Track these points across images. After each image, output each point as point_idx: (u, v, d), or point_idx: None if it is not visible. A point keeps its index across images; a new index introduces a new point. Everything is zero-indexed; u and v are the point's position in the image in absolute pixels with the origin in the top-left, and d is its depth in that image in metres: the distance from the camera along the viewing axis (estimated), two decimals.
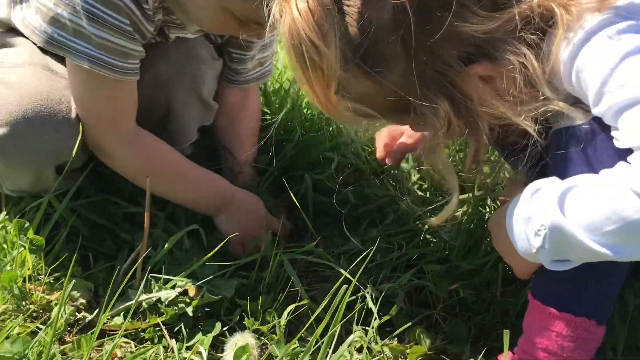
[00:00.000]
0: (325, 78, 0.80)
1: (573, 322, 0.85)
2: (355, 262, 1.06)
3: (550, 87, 0.82)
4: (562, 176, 0.81)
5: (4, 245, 1.11)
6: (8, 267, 1.04)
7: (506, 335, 0.77)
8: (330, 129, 1.46)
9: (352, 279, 1.05)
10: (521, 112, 0.81)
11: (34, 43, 1.12)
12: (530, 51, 0.81)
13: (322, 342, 0.84)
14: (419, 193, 1.35)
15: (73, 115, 1.07)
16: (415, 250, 1.18)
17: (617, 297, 0.89)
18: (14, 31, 1.17)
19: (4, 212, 1.16)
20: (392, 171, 1.39)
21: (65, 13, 1.00)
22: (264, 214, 1.24)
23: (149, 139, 1.18)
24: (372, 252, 1.06)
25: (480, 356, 0.96)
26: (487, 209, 1.27)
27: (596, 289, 0.85)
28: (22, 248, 1.04)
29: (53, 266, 1.08)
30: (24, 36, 1.14)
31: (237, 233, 1.14)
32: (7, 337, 0.89)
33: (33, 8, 1.06)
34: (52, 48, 1.05)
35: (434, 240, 1.22)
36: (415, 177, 1.37)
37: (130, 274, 1.01)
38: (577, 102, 0.83)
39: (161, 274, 1.07)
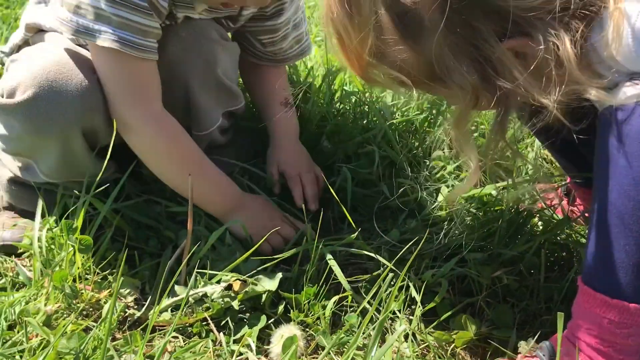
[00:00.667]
0: (361, 41, 0.81)
1: (626, 309, 0.83)
2: (398, 254, 1.07)
3: (588, 71, 0.81)
4: (602, 167, 0.80)
5: (52, 246, 1.14)
6: (58, 268, 1.07)
7: (560, 318, 0.77)
8: (365, 121, 1.46)
9: (395, 269, 1.06)
10: (550, 92, 0.81)
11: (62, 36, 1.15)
12: (566, 34, 0.80)
13: (370, 332, 0.85)
14: (457, 182, 1.34)
15: (96, 78, 1.10)
16: (455, 239, 1.18)
17: None
18: (42, 32, 1.20)
19: (52, 216, 1.19)
20: (427, 162, 1.39)
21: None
22: (275, 209, 1.25)
23: (175, 124, 1.18)
24: (412, 242, 1.07)
25: (532, 340, 0.95)
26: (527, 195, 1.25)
27: None
28: (71, 248, 1.07)
29: (101, 265, 1.11)
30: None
31: (266, 229, 1.15)
32: (62, 334, 0.92)
33: (59, 2, 1.08)
34: (79, 35, 1.07)
35: (474, 226, 1.21)
36: (452, 166, 1.36)
37: (177, 271, 1.03)
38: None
39: (206, 269, 1.09)
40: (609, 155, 0.82)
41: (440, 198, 1.28)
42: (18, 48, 1.23)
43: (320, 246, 1.11)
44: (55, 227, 1.15)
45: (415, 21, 0.81)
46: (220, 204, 1.21)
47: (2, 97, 1.08)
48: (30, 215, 1.24)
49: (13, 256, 1.21)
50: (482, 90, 0.83)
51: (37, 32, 1.20)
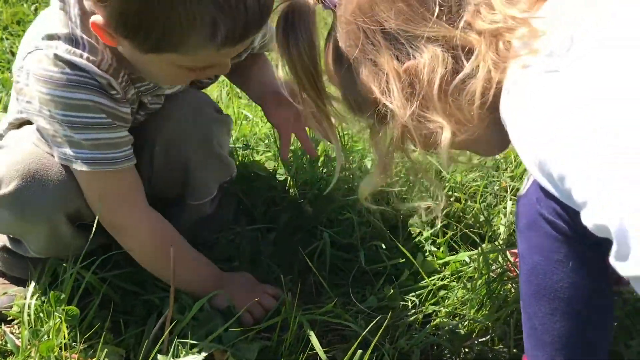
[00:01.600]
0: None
1: None
2: (373, 321, 1.11)
3: (447, 105, 0.86)
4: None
5: (41, 314, 1.18)
6: (46, 337, 1.11)
7: None
8: (346, 186, 1.52)
9: (370, 338, 1.10)
10: (407, 107, 0.87)
11: None
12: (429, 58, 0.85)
13: None
14: (433, 248, 1.39)
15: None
16: (430, 307, 1.22)
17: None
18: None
19: (41, 285, 1.23)
20: (406, 229, 1.44)
21: (53, 130, 1.09)
22: (255, 283, 1.29)
23: (160, 220, 1.23)
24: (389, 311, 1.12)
25: None
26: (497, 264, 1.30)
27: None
28: (58, 319, 1.11)
29: (87, 335, 1.15)
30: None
31: (248, 299, 1.20)
32: None
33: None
34: (62, 162, 1.13)
35: (448, 296, 1.26)
36: (428, 232, 1.41)
37: (160, 340, 1.07)
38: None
39: (188, 337, 1.13)
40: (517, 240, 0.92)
41: (415, 264, 1.32)
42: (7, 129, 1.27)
43: (299, 315, 1.15)
44: (44, 296, 1.20)
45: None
46: (203, 287, 1.22)
47: None
48: (21, 283, 1.29)
49: (2, 323, 1.24)
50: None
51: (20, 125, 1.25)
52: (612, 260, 0.70)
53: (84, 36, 1.05)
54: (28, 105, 1.11)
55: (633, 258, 0.67)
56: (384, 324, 1.12)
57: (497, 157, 1.69)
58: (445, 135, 0.86)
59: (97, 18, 0.98)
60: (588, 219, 0.72)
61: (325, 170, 1.58)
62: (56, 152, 1.12)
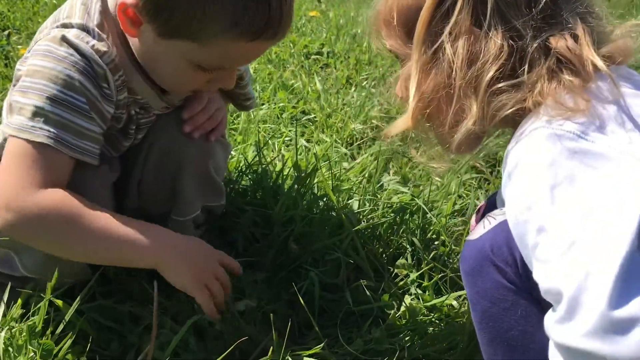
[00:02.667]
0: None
1: None
2: None
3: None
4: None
5: (10, 349, 1.11)
6: None
7: None
8: (331, 224, 1.50)
9: None
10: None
11: None
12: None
13: None
14: (419, 291, 1.38)
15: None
16: (419, 351, 1.20)
17: None
18: None
19: (12, 315, 1.16)
20: (392, 270, 1.43)
21: (27, 100, 1.04)
22: (209, 248, 1.17)
23: (60, 190, 1.05)
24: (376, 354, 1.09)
25: None
26: None
27: None
28: (32, 354, 1.05)
29: None
30: None
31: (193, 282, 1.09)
32: None
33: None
34: (12, 132, 1.04)
35: (437, 338, 1.24)
36: (415, 274, 1.40)
37: None
38: None
39: None
40: (464, 284, 0.95)
41: (402, 307, 1.30)
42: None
43: (288, 357, 1.11)
44: (15, 327, 1.13)
45: None
46: (151, 256, 1.08)
47: None
48: None
49: None
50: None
51: None
52: (550, 322, 0.71)
53: (97, 29, 1.08)
54: (16, 84, 1.08)
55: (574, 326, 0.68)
56: None
57: (478, 201, 1.71)
58: (471, 120, 0.86)
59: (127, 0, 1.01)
60: (542, 278, 0.73)
61: (312, 209, 1.56)
62: (12, 124, 1.03)
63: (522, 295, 0.87)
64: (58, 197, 1.04)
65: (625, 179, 0.73)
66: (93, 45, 1.07)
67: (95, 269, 1.20)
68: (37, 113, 1.04)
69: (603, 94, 0.81)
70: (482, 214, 1.18)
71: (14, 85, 1.12)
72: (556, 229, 0.72)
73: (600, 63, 0.81)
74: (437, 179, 1.49)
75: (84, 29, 1.08)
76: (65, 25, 1.09)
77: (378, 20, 0.98)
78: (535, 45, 0.83)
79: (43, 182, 1.04)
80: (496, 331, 0.90)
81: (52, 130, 1.04)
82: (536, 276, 0.74)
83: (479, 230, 0.92)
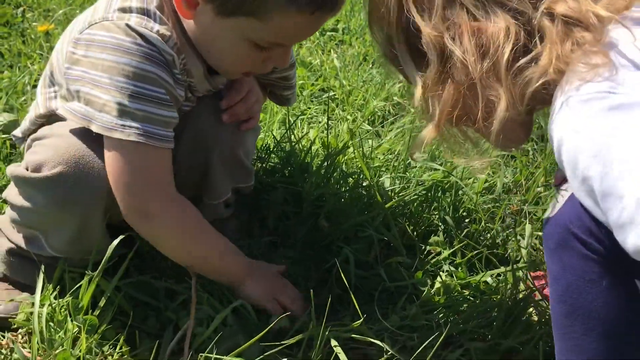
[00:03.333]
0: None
1: None
2: (398, 341, 1.08)
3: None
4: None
5: (51, 324, 1.12)
6: (61, 348, 1.05)
7: None
8: (363, 201, 1.50)
9: (398, 356, 1.08)
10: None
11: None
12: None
13: None
14: (452, 268, 1.38)
15: None
16: (455, 327, 1.20)
17: None
18: (56, 116, 1.20)
19: (50, 292, 1.17)
20: (424, 247, 1.42)
21: (108, 97, 1.05)
22: (282, 279, 1.28)
23: (189, 205, 1.19)
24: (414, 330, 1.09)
25: None
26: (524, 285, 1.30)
27: None
28: (77, 329, 1.05)
29: (103, 347, 1.09)
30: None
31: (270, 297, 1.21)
32: None
33: (76, 99, 1.10)
34: (102, 131, 1.07)
35: (472, 314, 1.24)
36: (447, 252, 1.40)
37: (179, 354, 1.02)
38: None
39: (207, 352, 1.08)
40: (546, 261, 0.92)
41: (437, 284, 1.30)
42: (32, 132, 1.23)
43: (327, 332, 1.11)
44: (54, 303, 1.13)
45: None
46: (233, 275, 1.23)
47: (27, 170, 1.09)
48: (26, 289, 1.22)
49: (6, 331, 1.17)
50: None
51: (51, 116, 1.21)
52: None
53: (157, 12, 1.07)
54: (81, 74, 1.07)
55: None
56: (418, 347, 1.09)
57: (507, 179, 1.70)
58: (502, 106, 0.84)
59: None
60: (629, 241, 0.71)
61: (340, 187, 1.56)
62: (99, 121, 1.06)
63: (606, 267, 0.86)
64: (187, 210, 1.18)
65: None
66: (158, 31, 1.07)
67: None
68: (124, 111, 1.05)
69: (620, 41, 0.80)
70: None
71: (69, 68, 1.10)
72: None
73: (602, 11, 0.81)
74: (480, 175, 1.47)
75: (145, 12, 1.07)
76: (124, 10, 1.07)
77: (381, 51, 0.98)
78: (538, 16, 0.83)
79: (165, 182, 1.13)
80: (579, 303, 0.88)
81: (140, 126, 1.06)
82: (620, 240, 0.73)
83: (556, 206, 0.91)
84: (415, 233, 1.48)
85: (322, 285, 1.36)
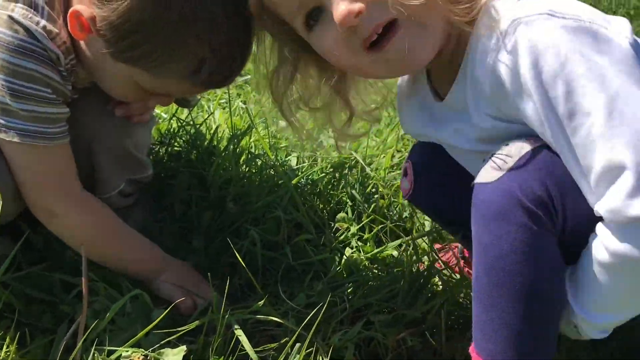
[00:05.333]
0: None
1: None
2: (305, 320, 1.07)
3: None
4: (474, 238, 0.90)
5: None
6: None
7: None
8: (270, 184, 1.48)
9: (304, 333, 1.06)
10: None
11: None
12: None
13: None
14: (360, 243, 1.37)
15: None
16: (361, 300, 1.20)
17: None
18: None
19: None
20: (333, 224, 1.42)
21: None
22: (198, 276, 1.26)
23: (95, 200, 1.18)
24: (319, 307, 1.08)
25: None
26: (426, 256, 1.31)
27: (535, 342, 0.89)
28: None
29: None
30: None
31: (182, 292, 1.16)
32: None
33: None
34: None
35: (378, 287, 1.24)
36: (355, 227, 1.40)
37: (73, 349, 0.97)
38: None
39: (104, 344, 1.03)
40: (475, 230, 0.89)
41: (343, 260, 1.30)
42: None
43: (227, 316, 1.09)
44: None
45: None
46: (147, 270, 1.21)
47: None
48: None
49: None
50: None
51: None
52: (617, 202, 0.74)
53: (46, 7, 1.01)
54: None
55: None
56: (316, 321, 1.08)
57: None
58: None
59: (83, 9, 0.96)
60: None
61: (248, 169, 1.53)
62: None
63: (548, 239, 0.84)
64: (98, 212, 1.17)
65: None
66: (44, 27, 1.00)
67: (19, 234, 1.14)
68: (7, 110, 1.01)
69: None
70: (414, 173, 1.17)
71: None
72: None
73: None
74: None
75: (31, 5, 1.00)
76: None
77: None
78: None
79: (66, 180, 1.11)
80: (508, 275, 0.86)
81: (25, 126, 1.02)
82: (597, 157, 0.76)
83: (492, 172, 0.86)
84: (324, 211, 1.47)
85: (233, 270, 1.33)
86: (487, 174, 0.87)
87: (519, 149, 0.85)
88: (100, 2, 0.95)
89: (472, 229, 0.90)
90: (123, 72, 1.02)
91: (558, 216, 0.84)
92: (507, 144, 0.87)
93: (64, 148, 1.11)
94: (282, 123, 1.84)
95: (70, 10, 0.98)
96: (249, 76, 2.37)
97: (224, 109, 2.06)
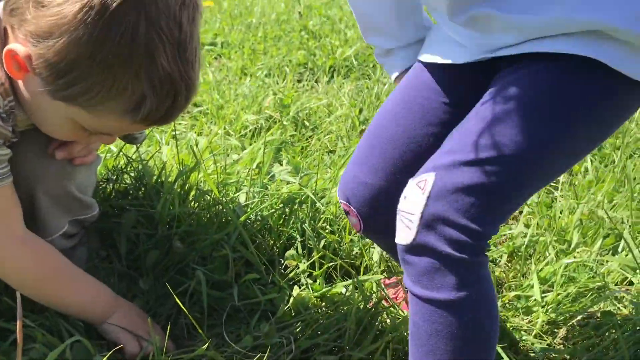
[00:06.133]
0: None
1: None
2: None
3: None
4: None
5: None
6: None
7: None
8: (219, 221, 1.46)
9: None
10: None
11: None
12: None
13: None
14: (310, 281, 1.36)
15: None
16: (308, 341, 1.19)
17: None
18: None
19: None
20: (282, 261, 1.40)
21: None
22: (148, 321, 1.22)
23: (40, 242, 1.15)
24: (265, 349, 1.07)
25: None
26: (374, 293, 1.30)
27: None
28: None
29: None
30: None
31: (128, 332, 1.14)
32: None
33: None
34: None
35: (326, 326, 1.23)
36: (305, 264, 1.39)
37: None
38: None
39: None
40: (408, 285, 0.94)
41: (292, 298, 1.29)
42: None
43: None
44: None
45: None
46: (95, 312, 1.19)
47: None
48: None
49: None
50: None
51: None
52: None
53: None
54: None
55: None
56: None
57: None
58: None
59: (18, 48, 0.93)
60: None
61: (195, 205, 1.51)
62: None
63: (481, 275, 0.89)
64: (43, 254, 1.15)
65: None
66: None
67: None
68: None
69: None
70: (359, 215, 1.18)
71: None
72: None
73: None
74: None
75: None
76: None
77: None
78: None
79: (8, 223, 1.09)
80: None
81: None
82: None
83: (406, 232, 0.89)
84: (275, 247, 1.45)
85: (180, 310, 1.30)
86: (401, 234, 0.90)
87: (415, 205, 0.87)
88: (35, 40, 0.92)
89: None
90: (62, 111, 1.00)
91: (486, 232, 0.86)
92: (405, 197, 0.90)
93: (7, 189, 1.08)
94: (235, 156, 1.84)
95: (5, 49, 0.95)
96: (205, 107, 2.38)
97: (178, 140, 2.05)
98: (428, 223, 0.86)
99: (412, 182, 0.91)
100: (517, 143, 0.84)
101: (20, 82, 1.02)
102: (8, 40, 1.00)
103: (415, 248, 0.87)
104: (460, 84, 1.08)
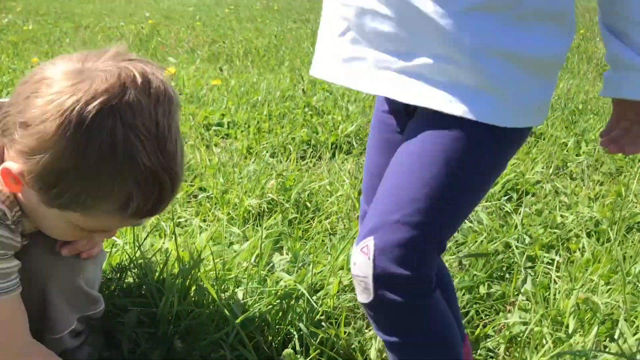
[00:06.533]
0: None
1: None
2: None
3: None
4: None
5: None
6: None
7: None
8: (218, 316, 1.49)
9: None
10: None
11: None
12: None
13: None
14: None
15: None
16: None
17: None
18: None
19: None
20: (282, 358, 1.43)
21: None
22: None
23: (43, 351, 1.18)
24: None
25: None
26: None
27: None
28: None
29: None
30: None
31: None
32: None
33: None
34: None
35: None
36: None
37: None
38: None
39: None
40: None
41: None
42: None
43: None
44: None
45: None
46: None
47: None
48: None
49: None
50: None
51: None
52: None
53: None
54: None
55: None
56: None
57: None
58: None
59: (12, 166, 1.00)
60: None
61: (197, 299, 1.55)
62: None
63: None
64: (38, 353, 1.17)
65: None
66: None
67: None
68: None
69: None
70: None
71: None
72: None
73: None
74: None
75: None
76: None
77: None
78: None
79: (14, 333, 1.13)
80: None
81: None
82: None
83: (364, 294, 1.02)
84: (274, 344, 1.48)
85: None
86: (362, 296, 1.02)
87: (364, 269, 0.99)
88: (25, 157, 0.99)
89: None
90: (59, 216, 1.06)
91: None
92: (354, 263, 1.01)
93: (15, 300, 1.13)
94: (236, 247, 1.88)
95: (1, 168, 1.03)
96: (210, 192, 2.45)
97: (183, 228, 2.10)
98: (380, 280, 0.98)
99: (356, 249, 1.02)
100: (426, 195, 0.99)
101: (19, 195, 1.10)
102: (5, 158, 1.07)
103: (375, 303, 1.01)
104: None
